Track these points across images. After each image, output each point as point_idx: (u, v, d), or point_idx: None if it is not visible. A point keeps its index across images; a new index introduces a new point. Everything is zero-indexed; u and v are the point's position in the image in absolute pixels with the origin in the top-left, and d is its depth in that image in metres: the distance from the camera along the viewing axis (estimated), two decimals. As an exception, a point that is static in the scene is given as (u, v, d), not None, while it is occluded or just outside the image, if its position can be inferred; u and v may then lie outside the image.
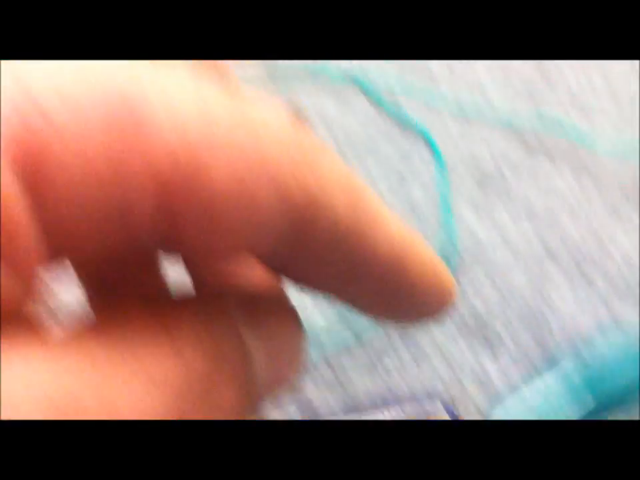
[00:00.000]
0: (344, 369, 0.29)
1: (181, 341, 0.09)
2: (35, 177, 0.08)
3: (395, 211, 0.11)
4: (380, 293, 0.11)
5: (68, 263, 0.09)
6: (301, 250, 0.10)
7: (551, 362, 0.28)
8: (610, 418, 0.28)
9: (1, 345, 0.08)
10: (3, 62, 0.08)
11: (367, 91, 0.39)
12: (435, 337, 0.29)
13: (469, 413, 0.27)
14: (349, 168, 0.10)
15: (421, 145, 0.37)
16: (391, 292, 0.11)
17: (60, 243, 0.09)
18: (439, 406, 0.26)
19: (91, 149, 0.08)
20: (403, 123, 0.38)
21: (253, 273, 0.11)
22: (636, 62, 0.39)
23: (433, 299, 0.12)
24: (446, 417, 0.26)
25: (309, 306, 0.30)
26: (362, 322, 0.29)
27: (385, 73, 0.40)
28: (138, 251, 0.09)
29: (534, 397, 0.27)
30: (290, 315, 0.12)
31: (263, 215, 0.09)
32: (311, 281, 0.11)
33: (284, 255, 0.10)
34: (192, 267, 0.11)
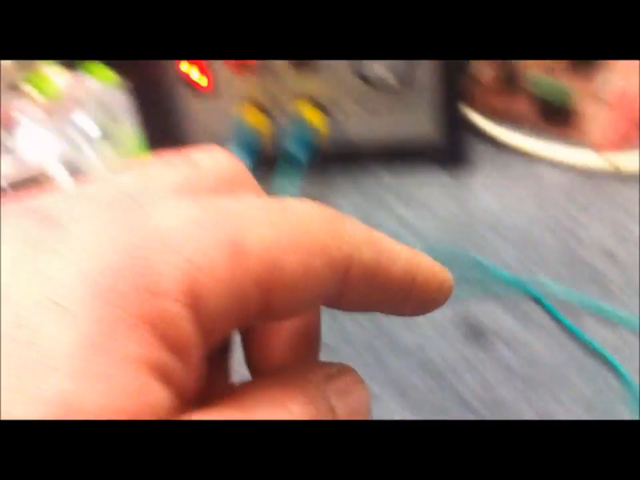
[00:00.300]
0: None
1: (295, 410, 0.14)
2: (194, 301, 0.12)
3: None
4: (401, 299, 0.16)
5: None
6: (343, 288, 0.15)
7: None
8: None
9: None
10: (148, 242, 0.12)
11: (541, 302, 0.38)
12: None
13: None
14: (360, 222, 0.15)
15: (610, 375, 0.35)
16: (408, 296, 0.16)
17: (206, 341, 0.13)
18: None
19: (221, 277, 0.13)
20: (585, 343, 0.37)
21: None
22: None
23: (438, 293, 0.17)
24: None
25: None
26: None
27: (557, 282, 0.39)
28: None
29: None
30: (355, 375, 0.16)
31: (320, 278, 0.14)
32: (351, 305, 0.16)
33: (333, 296, 0.15)
34: (277, 340, 0.17)
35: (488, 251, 0.42)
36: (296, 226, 0.14)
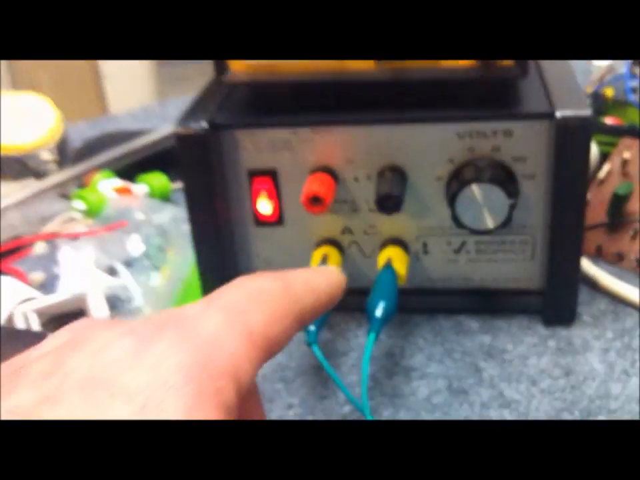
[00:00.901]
0: None
1: None
2: (236, 377, 0.19)
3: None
4: (328, 305, 0.24)
5: None
6: (302, 323, 0.23)
7: None
8: None
9: None
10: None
11: None
12: None
13: None
14: (299, 273, 0.24)
15: None
16: (331, 302, 0.25)
17: (240, 400, 0.20)
18: None
19: (246, 357, 0.20)
20: None
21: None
22: None
23: (342, 287, 0.26)
24: None
25: None
26: None
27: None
28: None
29: None
30: None
31: (291, 329, 0.22)
32: (304, 325, 0.23)
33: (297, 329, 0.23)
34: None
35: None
36: (272, 303, 0.22)
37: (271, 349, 0.21)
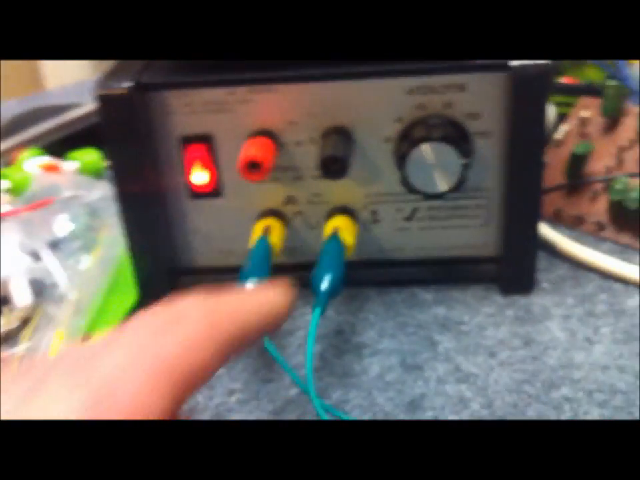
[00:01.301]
0: None
1: None
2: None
3: None
4: (265, 330, 0.23)
5: None
6: (231, 350, 0.21)
7: None
8: None
9: None
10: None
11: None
12: None
13: None
14: (232, 297, 0.22)
15: None
16: (272, 325, 0.23)
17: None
18: None
19: (154, 414, 0.18)
20: None
21: None
22: None
23: (285, 310, 0.23)
24: None
25: None
26: None
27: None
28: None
29: None
30: None
31: (218, 359, 0.20)
32: (239, 352, 0.21)
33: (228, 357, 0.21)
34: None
35: (565, 410, 0.31)
36: (189, 332, 0.19)
37: (191, 383, 0.19)
